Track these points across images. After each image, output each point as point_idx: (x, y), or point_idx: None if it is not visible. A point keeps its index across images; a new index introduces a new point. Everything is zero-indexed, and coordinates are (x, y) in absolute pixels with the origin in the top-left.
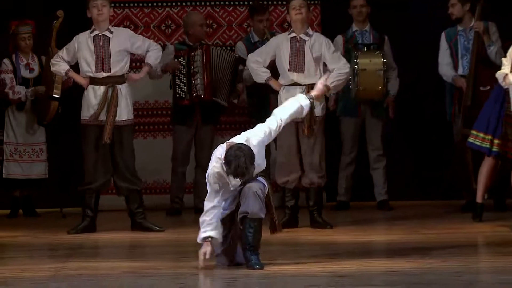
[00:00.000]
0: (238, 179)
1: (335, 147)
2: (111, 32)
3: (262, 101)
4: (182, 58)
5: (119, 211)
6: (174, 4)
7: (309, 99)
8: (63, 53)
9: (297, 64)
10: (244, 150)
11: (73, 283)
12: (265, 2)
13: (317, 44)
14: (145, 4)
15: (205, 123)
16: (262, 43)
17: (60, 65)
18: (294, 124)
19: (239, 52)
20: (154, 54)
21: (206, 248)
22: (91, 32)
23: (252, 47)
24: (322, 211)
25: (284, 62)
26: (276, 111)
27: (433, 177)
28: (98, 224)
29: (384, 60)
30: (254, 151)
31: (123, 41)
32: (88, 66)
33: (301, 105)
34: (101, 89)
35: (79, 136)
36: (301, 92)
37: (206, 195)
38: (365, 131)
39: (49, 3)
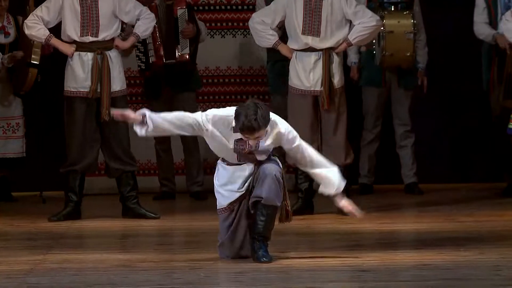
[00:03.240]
0: (239, 142)
1: (357, 121)
2: None
3: (283, 72)
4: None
5: (108, 195)
6: None
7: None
8: (41, 12)
9: (311, 26)
10: (260, 106)
11: (54, 278)
12: None
13: (336, 2)
14: None
15: (177, 92)
16: None
17: (38, 29)
18: (312, 97)
19: (258, 8)
20: (144, 24)
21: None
22: None
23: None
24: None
25: (296, 24)
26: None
27: (469, 157)
28: (84, 210)
29: (414, 22)
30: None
31: (111, 4)
32: (73, 29)
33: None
34: (88, 56)
35: (62, 109)
36: (317, 59)
37: (198, 177)
38: (391, 104)
39: None
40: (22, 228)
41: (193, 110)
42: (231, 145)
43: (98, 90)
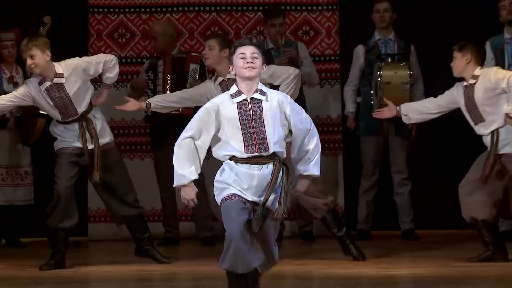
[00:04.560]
0: (241, 104)
1: (355, 169)
2: (61, 76)
3: None
4: (150, 73)
5: (113, 241)
6: (175, 9)
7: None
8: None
9: None
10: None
11: None
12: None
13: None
14: (142, 10)
15: None
16: (276, 52)
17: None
18: None
19: None
20: (110, 74)
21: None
22: (40, 85)
23: (265, 55)
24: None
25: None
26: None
27: None
28: (90, 256)
29: (411, 73)
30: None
31: (77, 79)
32: (54, 115)
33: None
34: (74, 125)
35: None
36: None
37: (207, 223)
38: (388, 152)
39: (35, 10)
40: (30, 273)
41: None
42: (235, 113)
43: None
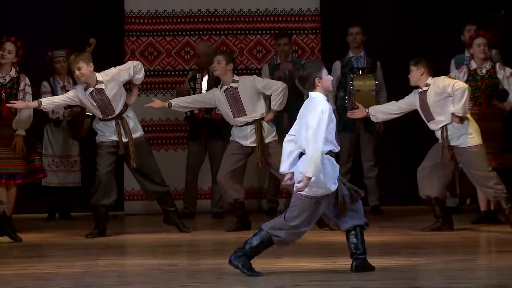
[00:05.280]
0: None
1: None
2: (102, 83)
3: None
4: (192, 82)
5: (144, 215)
6: (192, 33)
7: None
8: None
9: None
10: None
11: (103, 279)
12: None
13: (247, 85)
14: (167, 33)
15: (212, 139)
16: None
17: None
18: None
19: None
20: (138, 75)
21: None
22: (85, 90)
23: (275, 69)
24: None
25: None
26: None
27: None
28: (125, 226)
29: (376, 83)
30: None
31: (114, 84)
32: (96, 114)
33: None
34: (112, 122)
35: None
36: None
37: (220, 202)
38: (359, 145)
39: (83, 33)
40: (78, 240)
41: (222, 155)
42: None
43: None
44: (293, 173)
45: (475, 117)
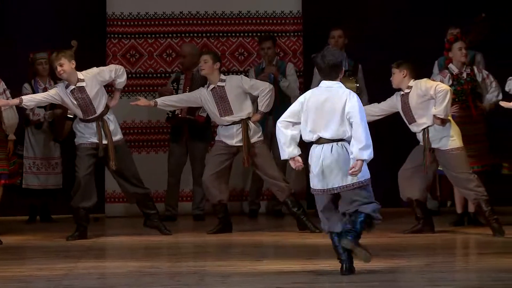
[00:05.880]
0: None
1: None
2: (83, 81)
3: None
4: (175, 83)
5: (124, 218)
6: (174, 35)
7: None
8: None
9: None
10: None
11: (84, 281)
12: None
13: (234, 84)
14: (149, 35)
15: (194, 140)
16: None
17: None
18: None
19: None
20: (120, 79)
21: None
22: (66, 88)
23: (260, 72)
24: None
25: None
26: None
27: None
28: (106, 229)
29: (358, 85)
30: None
31: (95, 83)
32: (77, 113)
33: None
34: (92, 124)
35: None
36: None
37: (201, 204)
38: None
39: (64, 35)
40: (59, 243)
41: (203, 157)
42: None
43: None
44: (301, 155)
45: (463, 120)
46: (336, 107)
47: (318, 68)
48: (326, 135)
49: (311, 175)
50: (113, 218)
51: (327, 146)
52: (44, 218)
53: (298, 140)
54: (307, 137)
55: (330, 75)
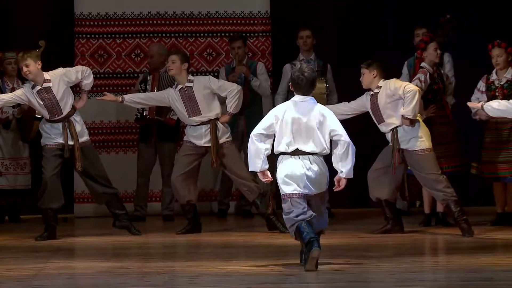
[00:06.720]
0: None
1: None
2: (49, 81)
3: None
4: (143, 84)
5: (93, 218)
6: (143, 35)
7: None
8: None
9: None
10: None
11: (53, 281)
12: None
13: (202, 85)
14: (117, 35)
15: (162, 140)
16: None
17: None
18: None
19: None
20: (87, 81)
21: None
22: (32, 88)
23: (230, 72)
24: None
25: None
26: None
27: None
28: (75, 229)
29: (327, 86)
30: None
31: (62, 84)
32: (44, 114)
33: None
34: (59, 125)
35: None
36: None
37: (171, 204)
38: None
39: (32, 35)
40: (28, 243)
41: (172, 157)
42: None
43: (62, 141)
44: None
45: (442, 120)
46: (313, 124)
47: (295, 84)
48: (306, 148)
49: (282, 181)
50: (82, 218)
51: (303, 158)
52: (13, 219)
53: (268, 154)
54: (281, 149)
55: (308, 91)
